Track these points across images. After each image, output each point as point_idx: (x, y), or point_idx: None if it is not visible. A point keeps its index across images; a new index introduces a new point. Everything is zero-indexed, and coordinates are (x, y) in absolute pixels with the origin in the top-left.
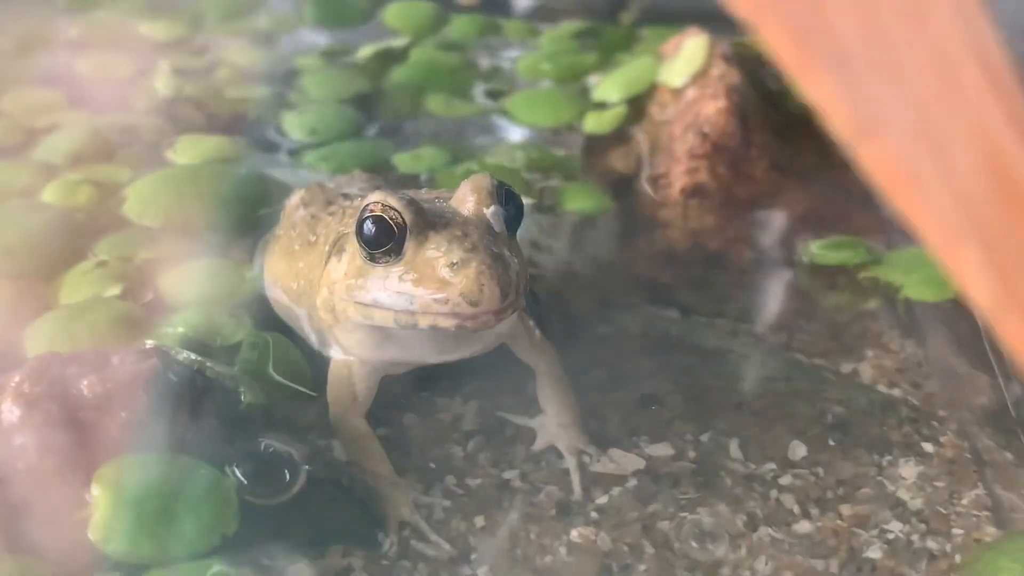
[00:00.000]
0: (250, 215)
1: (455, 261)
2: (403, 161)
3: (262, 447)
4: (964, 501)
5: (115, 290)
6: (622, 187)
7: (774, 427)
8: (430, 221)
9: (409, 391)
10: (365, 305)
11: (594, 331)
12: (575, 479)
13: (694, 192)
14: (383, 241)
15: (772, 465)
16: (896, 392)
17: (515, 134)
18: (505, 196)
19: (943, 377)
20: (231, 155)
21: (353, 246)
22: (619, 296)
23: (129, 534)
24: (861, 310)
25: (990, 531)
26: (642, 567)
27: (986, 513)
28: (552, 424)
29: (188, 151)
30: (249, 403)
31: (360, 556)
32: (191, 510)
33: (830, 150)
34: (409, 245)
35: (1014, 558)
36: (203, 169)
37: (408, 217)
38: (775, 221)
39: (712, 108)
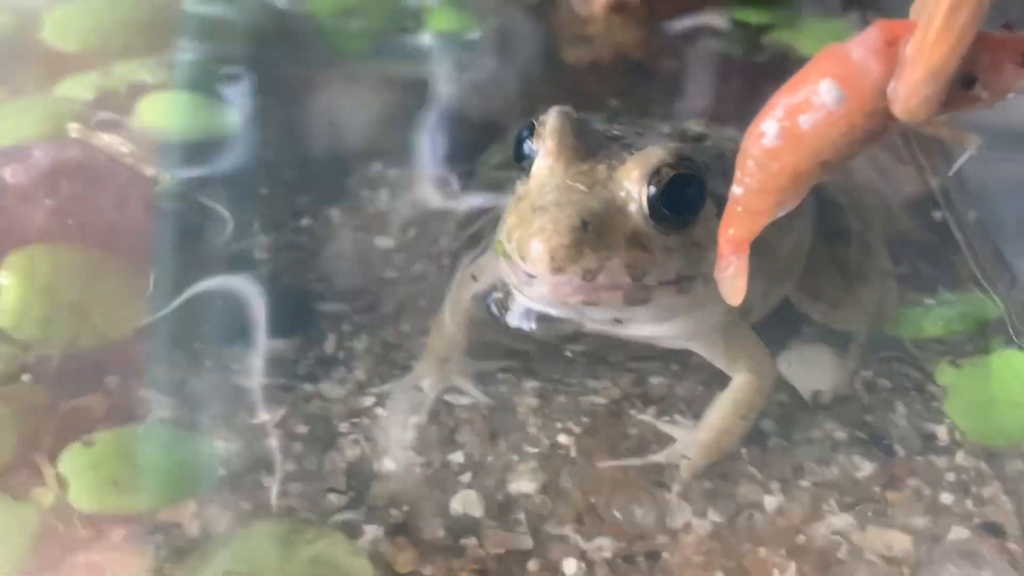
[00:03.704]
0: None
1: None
2: None
3: None
4: None
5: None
6: (545, 5)
7: None
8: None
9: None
10: None
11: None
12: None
13: (618, 7)
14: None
15: None
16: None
17: None
18: (672, 181)
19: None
20: None
21: None
22: (544, 106)
23: (39, 321)
24: None
25: None
26: None
27: None
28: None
29: None
30: (167, 186)
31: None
32: (102, 300)
33: None
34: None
35: None
36: None
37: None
38: (696, 31)
39: None
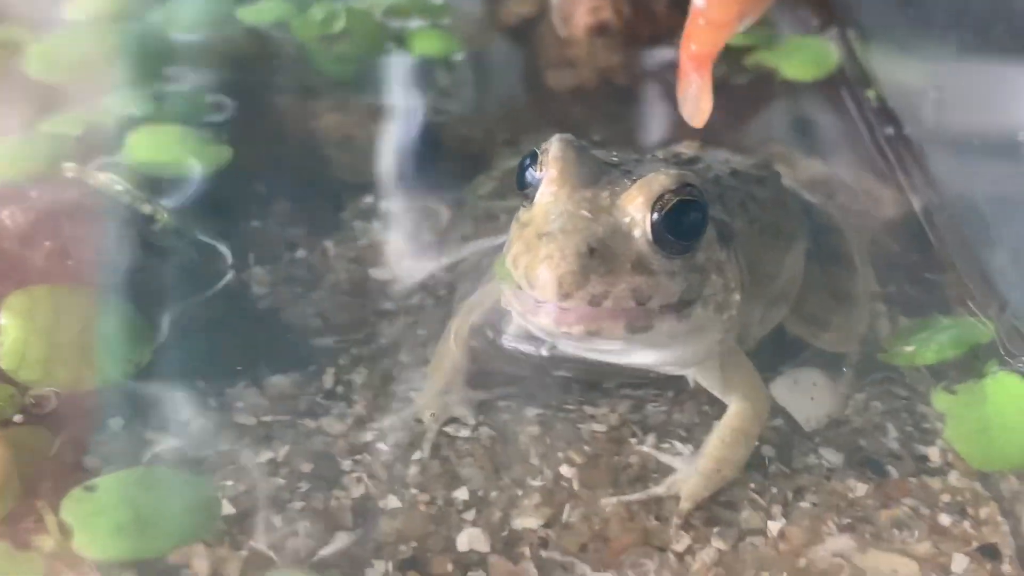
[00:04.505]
0: (155, 73)
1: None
2: (248, 15)
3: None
4: None
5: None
6: (527, 29)
7: None
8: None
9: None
10: None
11: (502, 167)
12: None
13: (599, 31)
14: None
15: None
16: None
17: None
18: (675, 206)
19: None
20: (127, 10)
21: None
22: (528, 133)
23: (40, 362)
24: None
25: None
26: None
27: None
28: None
29: (85, 5)
30: (164, 224)
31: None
32: (103, 340)
33: None
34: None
35: None
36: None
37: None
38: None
39: None
